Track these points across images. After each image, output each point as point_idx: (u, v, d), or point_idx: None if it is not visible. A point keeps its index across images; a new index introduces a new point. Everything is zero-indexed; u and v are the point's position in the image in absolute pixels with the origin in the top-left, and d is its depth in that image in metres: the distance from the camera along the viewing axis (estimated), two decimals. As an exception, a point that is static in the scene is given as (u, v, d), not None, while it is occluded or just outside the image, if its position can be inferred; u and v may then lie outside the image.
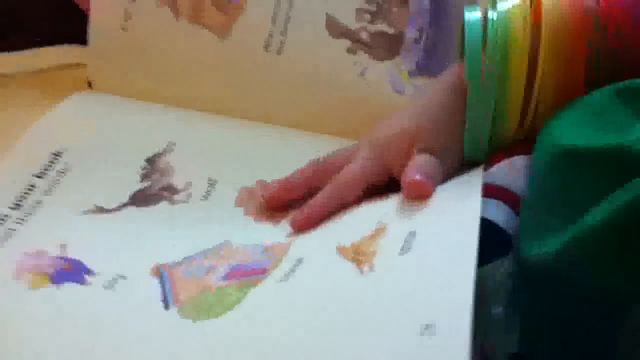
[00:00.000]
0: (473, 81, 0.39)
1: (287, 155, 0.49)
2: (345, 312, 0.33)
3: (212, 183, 0.47)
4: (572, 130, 0.36)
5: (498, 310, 0.37)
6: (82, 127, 0.51)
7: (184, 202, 0.47)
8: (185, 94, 0.53)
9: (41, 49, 0.59)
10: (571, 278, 0.32)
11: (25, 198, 0.46)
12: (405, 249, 0.35)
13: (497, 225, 0.38)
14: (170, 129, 0.51)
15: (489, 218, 0.38)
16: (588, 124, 0.36)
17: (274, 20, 0.52)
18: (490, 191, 0.39)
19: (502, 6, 0.40)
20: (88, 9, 0.54)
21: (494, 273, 0.38)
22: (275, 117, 0.52)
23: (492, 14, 0.40)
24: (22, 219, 0.44)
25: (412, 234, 0.36)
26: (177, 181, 0.47)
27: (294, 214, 0.43)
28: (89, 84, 0.55)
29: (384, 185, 0.43)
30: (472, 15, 0.41)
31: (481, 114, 0.40)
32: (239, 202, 0.47)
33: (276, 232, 0.44)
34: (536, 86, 0.39)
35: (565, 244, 0.32)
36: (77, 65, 0.57)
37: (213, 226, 0.45)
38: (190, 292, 0.39)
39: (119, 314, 0.38)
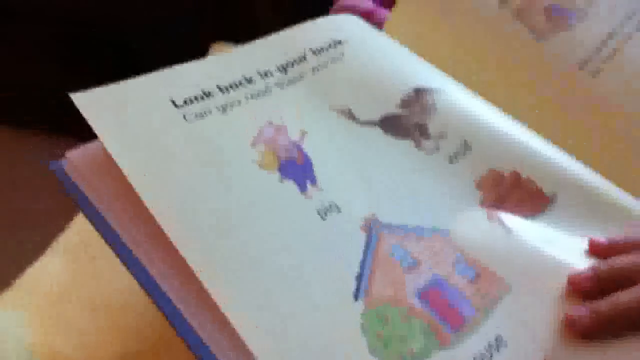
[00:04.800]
0: None
1: (547, 160, 0.42)
2: None
3: (466, 147, 0.42)
4: None
5: None
6: (367, 30, 0.49)
7: (429, 152, 0.41)
8: (473, 76, 0.48)
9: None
10: None
11: (292, 66, 0.45)
12: None
13: None
14: (449, 77, 0.47)
15: None
16: None
17: (599, 49, 0.47)
18: None
19: None
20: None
21: None
22: (553, 131, 0.45)
23: None
24: (283, 84, 0.43)
25: None
26: (433, 126, 0.42)
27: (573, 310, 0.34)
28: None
29: None
30: None
31: None
32: (481, 184, 0.40)
33: (500, 235, 0.37)
34: None
35: None
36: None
37: (444, 200, 0.39)
38: (385, 291, 0.34)
39: (318, 251, 0.35)
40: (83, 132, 0.38)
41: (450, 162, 0.41)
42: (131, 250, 0.34)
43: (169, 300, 0.32)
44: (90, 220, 0.36)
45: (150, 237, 0.34)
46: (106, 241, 0.35)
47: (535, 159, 0.41)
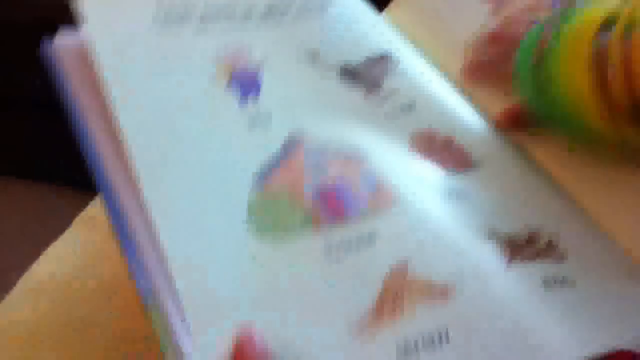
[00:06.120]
0: None
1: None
2: None
3: (410, 107, 0.46)
4: None
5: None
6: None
7: (374, 104, 0.45)
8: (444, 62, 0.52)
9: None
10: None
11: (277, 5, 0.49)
12: None
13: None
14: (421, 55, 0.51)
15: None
16: None
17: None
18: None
19: None
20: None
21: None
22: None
23: None
24: (266, 17, 0.48)
25: None
26: (387, 84, 0.47)
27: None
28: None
29: None
30: None
31: None
32: (414, 141, 0.44)
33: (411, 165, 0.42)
34: None
35: None
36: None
37: (375, 140, 0.43)
38: (284, 180, 0.38)
39: (239, 146, 0.40)
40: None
41: (393, 118, 0.45)
42: (97, 152, 0.38)
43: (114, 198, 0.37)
44: (65, 105, 0.40)
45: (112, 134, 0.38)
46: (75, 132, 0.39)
47: (469, 130, 0.45)
